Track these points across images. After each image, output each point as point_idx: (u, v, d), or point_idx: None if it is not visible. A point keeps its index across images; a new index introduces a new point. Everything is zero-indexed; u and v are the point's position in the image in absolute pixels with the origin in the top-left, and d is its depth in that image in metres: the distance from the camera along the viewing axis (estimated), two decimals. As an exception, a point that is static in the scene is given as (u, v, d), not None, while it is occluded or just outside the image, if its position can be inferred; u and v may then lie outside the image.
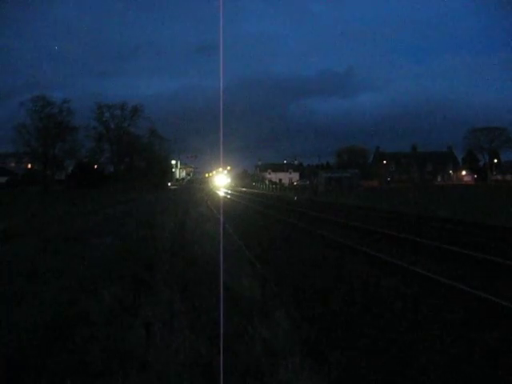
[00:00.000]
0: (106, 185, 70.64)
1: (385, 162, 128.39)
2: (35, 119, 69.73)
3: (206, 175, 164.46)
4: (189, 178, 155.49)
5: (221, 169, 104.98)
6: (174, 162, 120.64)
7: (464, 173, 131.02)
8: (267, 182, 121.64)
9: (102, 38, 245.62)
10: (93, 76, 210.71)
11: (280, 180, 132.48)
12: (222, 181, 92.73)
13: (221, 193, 66.67)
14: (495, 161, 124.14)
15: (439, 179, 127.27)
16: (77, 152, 74.57)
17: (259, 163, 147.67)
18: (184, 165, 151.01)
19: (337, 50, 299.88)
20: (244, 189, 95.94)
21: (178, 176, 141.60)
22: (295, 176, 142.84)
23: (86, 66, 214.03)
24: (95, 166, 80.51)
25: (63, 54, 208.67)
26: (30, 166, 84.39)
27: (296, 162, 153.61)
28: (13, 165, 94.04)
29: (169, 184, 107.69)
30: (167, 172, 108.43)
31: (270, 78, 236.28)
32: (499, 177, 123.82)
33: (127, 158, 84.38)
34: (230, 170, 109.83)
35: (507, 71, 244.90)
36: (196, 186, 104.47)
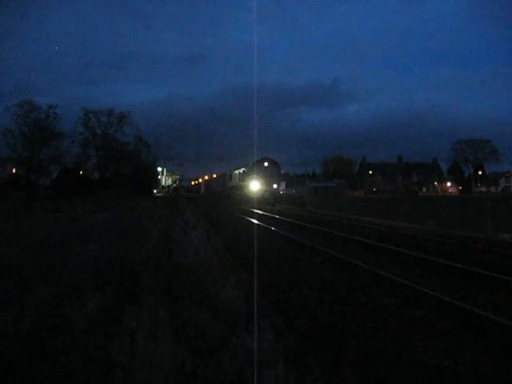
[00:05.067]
0: (91, 191, 70.11)
1: (370, 172, 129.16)
2: (21, 124, 69.10)
3: (192, 183, 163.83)
4: (174, 185, 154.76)
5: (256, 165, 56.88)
6: (160, 169, 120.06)
7: (449, 184, 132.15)
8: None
9: (92, 46, 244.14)
10: (81, 83, 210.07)
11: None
12: (256, 187, 49.91)
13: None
14: (480, 172, 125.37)
15: (424, 190, 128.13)
16: (62, 158, 73.94)
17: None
18: (170, 172, 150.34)
19: (324, 62, 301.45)
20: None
21: (163, 183, 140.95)
22: (282, 185, 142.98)
23: (75, 73, 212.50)
24: (80, 172, 79.88)
25: (52, 60, 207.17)
26: (14, 170, 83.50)
27: (282, 172, 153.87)
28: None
29: (154, 191, 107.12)
30: (153, 179, 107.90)
31: (257, 87, 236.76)
32: (484, 188, 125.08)
33: (113, 165, 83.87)
34: (218, 176, 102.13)
35: (492, 84, 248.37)
36: (183, 196, 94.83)
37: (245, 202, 47.35)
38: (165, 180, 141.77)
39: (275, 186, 50.89)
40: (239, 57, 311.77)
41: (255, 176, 49.38)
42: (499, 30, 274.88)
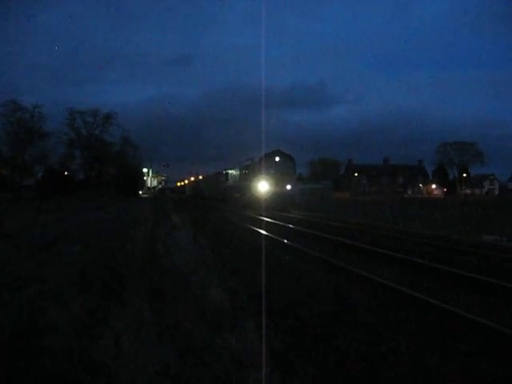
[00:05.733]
0: (76, 192, 69.69)
1: (356, 174, 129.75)
2: (5, 123, 68.54)
3: (178, 184, 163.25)
4: (160, 186, 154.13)
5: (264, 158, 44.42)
6: (145, 170, 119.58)
7: (434, 186, 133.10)
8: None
9: (78, 46, 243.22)
10: (67, 83, 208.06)
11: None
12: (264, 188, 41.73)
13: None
14: (464, 175, 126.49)
15: (409, 192, 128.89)
16: (47, 158, 73.36)
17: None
18: (156, 173, 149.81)
19: (310, 64, 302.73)
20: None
21: (149, 184, 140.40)
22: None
23: (61, 73, 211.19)
24: (65, 173, 79.36)
25: (38, 59, 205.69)
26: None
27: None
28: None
29: (140, 192, 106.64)
30: (139, 180, 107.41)
31: (244, 88, 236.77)
32: (468, 191, 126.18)
33: (98, 165, 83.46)
34: (206, 176, 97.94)
35: (477, 87, 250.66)
36: (169, 198, 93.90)
37: (247, 207, 40.24)
38: (150, 181, 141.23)
39: (289, 186, 40.16)
40: (226, 58, 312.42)
41: (263, 174, 39.69)
42: (484, 33, 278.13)
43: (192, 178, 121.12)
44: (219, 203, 55.87)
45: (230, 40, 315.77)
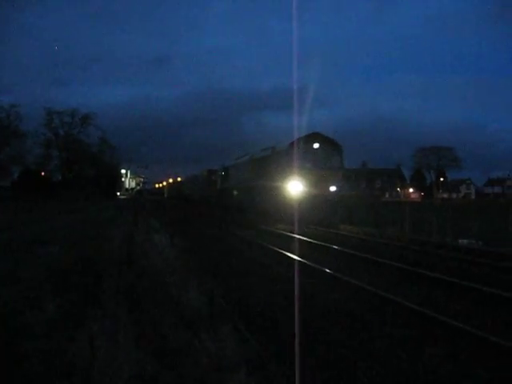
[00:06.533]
0: (53, 193, 68.89)
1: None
2: (-20, 123, 67.46)
3: (156, 185, 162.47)
4: (138, 188, 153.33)
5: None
6: (124, 171, 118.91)
7: (411, 190, 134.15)
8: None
9: (57, 46, 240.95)
10: (46, 83, 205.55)
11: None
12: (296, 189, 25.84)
13: None
14: (442, 179, 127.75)
15: (387, 196, 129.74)
16: (24, 158, 72.37)
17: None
18: (134, 174, 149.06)
19: (291, 67, 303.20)
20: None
21: (127, 186, 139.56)
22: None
23: (40, 73, 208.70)
24: (42, 173, 78.40)
25: (15, 59, 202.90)
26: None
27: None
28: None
29: (118, 194, 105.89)
30: (117, 181, 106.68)
31: (224, 91, 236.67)
32: (445, 195, 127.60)
33: (76, 166, 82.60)
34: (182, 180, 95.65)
35: (455, 93, 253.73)
36: (146, 199, 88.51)
37: (262, 217, 28.81)
38: (129, 182, 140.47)
39: (334, 188, 27.13)
40: (205, 60, 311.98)
41: (294, 169, 26.04)
42: (463, 40, 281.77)
43: (170, 180, 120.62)
44: (212, 210, 45.37)
45: (210, 42, 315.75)
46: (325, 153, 27.25)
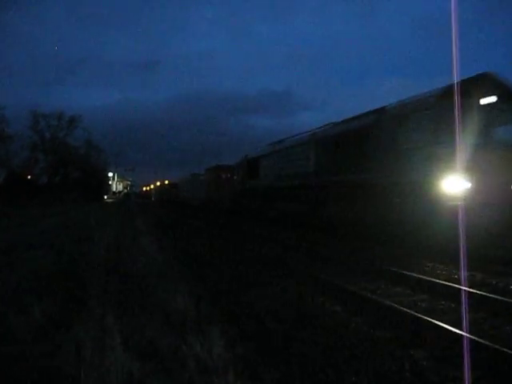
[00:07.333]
0: (38, 196, 68.30)
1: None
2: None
3: (144, 188, 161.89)
4: (125, 191, 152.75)
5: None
6: (111, 174, 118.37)
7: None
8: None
9: (44, 49, 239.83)
10: (32, 86, 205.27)
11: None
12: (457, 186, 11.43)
13: None
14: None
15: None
16: (9, 161, 71.69)
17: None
18: (121, 177, 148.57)
19: (277, 70, 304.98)
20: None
21: (114, 189, 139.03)
22: None
23: (26, 75, 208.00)
24: (28, 177, 77.80)
25: (3, 61, 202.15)
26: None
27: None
28: None
29: (105, 197, 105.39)
30: (103, 184, 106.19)
31: (211, 94, 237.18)
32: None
33: (62, 169, 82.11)
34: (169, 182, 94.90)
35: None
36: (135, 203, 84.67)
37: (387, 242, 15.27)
38: (116, 185, 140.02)
39: None
40: (193, 64, 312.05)
41: (454, 150, 12.02)
42: (447, 43, 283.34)
43: (158, 183, 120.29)
44: (229, 219, 33.06)
45: (197, 46, 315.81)
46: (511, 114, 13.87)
